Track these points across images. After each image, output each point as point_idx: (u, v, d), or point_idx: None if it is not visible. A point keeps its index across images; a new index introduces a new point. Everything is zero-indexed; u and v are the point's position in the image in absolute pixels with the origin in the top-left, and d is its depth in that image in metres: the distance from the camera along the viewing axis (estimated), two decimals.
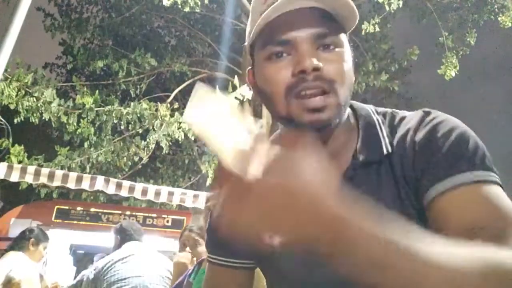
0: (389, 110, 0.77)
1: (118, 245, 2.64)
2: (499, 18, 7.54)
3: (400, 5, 6.38)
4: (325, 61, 0.64)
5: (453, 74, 7.34)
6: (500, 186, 0.59)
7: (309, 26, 0.65)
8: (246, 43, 0.74)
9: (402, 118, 0.73)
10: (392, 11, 6.57)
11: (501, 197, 0.57)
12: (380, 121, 0.73)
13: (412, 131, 0.68)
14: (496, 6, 7.72)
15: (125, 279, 2.37)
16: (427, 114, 0.70)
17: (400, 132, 0.70)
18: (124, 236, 2.66)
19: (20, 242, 2.91)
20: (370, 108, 0.76)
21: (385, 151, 0.68)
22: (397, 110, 0.77)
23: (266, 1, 0.67)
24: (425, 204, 0.62)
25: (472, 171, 0.59)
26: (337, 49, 0.66)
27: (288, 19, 0.65)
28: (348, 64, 0.68)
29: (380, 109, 0.77)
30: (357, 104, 0.78)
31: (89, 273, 2.48)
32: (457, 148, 0.62)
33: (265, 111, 8.02)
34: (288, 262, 0.74)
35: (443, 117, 0.68)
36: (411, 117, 0.71)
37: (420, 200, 0.63)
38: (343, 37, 0.69)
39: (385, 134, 0.70)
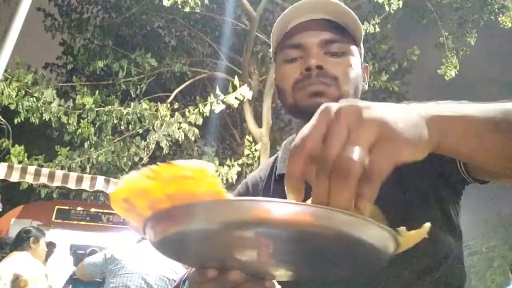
0: None
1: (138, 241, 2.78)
2: (499, 18, 7.54)
3: (400, 5, 6.37)
4: (331, 64, 0.75)
5: (453, 74, 7.35)
6: None
7: (319, 32, 0.76)
8: (270, 50, 0.90)
9: None
10: (392, 11, 6.56)
11: None
12: None
13: None
14: (496, 6, 7.71)
15: (129, 273, 2.43)
16: None
17: None
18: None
19: (20, 244, 2.92)
20: None
21: None
22: None
23: (285, 17, 0.80)
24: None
25: None
26: (344, 57, 0.76)
27: (301, 27, 0.78)
28: (355, 70, 0.77)
29: None
30: None
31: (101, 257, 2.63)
32: None
33: (265, 112, 8.02)
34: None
35: None
36: None
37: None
38: (353, 48, 0.79)
39: None
